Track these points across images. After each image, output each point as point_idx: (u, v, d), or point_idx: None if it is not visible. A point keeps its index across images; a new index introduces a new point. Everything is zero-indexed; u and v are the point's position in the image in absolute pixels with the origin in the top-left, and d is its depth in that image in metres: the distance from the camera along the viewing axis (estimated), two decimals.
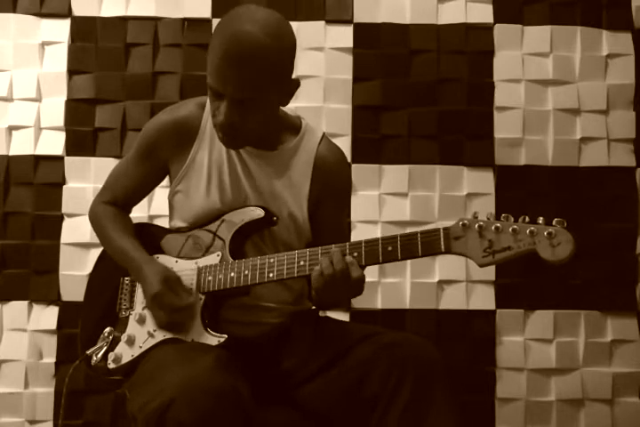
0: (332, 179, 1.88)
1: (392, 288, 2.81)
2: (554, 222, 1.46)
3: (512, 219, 1.49)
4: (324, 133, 1.92)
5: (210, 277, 1.73)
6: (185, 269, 1.78)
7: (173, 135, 1.85)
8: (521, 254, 1.47)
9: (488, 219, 1.50)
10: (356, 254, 1.59)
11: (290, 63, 1.70)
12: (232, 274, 1.71)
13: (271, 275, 1.67)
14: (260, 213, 1.77)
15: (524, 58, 2.92)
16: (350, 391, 1.63)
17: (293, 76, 1.74)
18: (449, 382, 1.59)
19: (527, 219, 1.48)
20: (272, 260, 1.68)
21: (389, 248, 1.56)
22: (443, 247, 1.52)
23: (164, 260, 1.82)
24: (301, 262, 1.64)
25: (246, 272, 1.70)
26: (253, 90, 1.64)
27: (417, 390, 1.55)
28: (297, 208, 1.84)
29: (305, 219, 1.85)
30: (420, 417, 1.54)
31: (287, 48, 1.67)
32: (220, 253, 1.76)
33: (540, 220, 1.48)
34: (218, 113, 1.68)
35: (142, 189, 1.99)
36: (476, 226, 1.49)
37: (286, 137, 1.87)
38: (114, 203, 1.97)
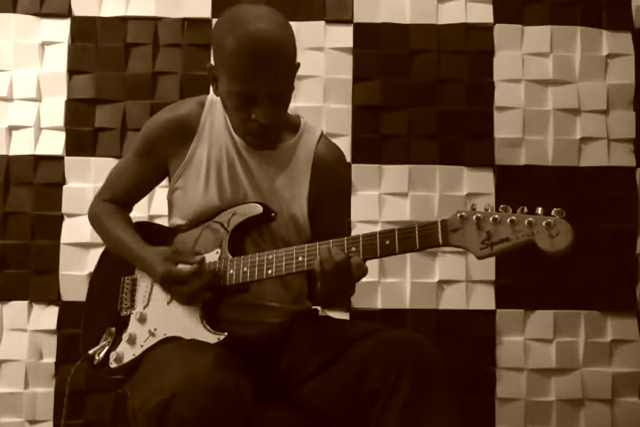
0: (331, 177, 1.89)
1: (392, 288, 2.81)
2: (552, 213, 1.45)
3: (510, 210, 1.47)
4: (322, 132, 1.93)
5: None
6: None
7: (173, 133, 1.86)
8: (519, 245, 1.45)
9: (486, 210, 1.49)
10: (354, 249, 1.59)
11: (296, 48, 1.74)
12: (231, 271, 1.72)
13: (270, 271, 1.67)
14: (258, 209, 1.77)
15: (523, 58, 2.92)
16: (350, 388, 1.63)
17: None
18: (448, 380, 1.59)
19: (526, 209, 1.46)
20: (270, 256, 1.68)
21: (387, 242, 1.56)
22: (440, 240, 1.51)
23: None
24: (300, 258, 1.64)
25: (245, 269, 1.70)
26: (284, 82, 1.70)
27: (416, 387, 1.55)
28: (296, 206, 1.84)
29: (304, 217, 1.85)
30: (420, 413, 1.54)
31: (292, 35, 1.72)
32: (218, 250, 1.76)
33: (539, 210, 1.46)
34: (255, 117, 1.70)
35: (142, 188, 1.99)
36: (474, 218, 1.48)
37: (285, 135, 1.89)
38: (114, 201, 1.97)
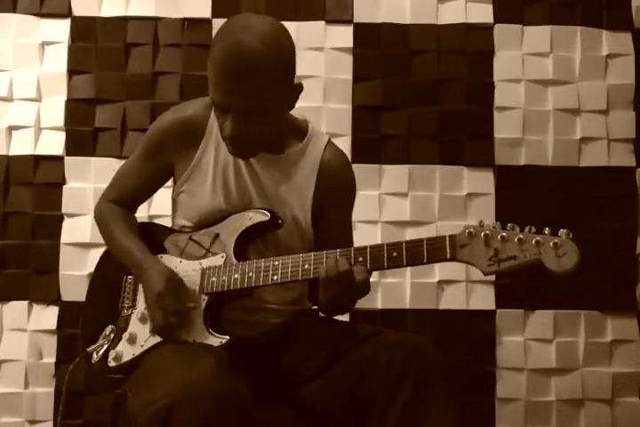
0: (337, 184, 1.89)
1: (392, 288, 2.81)
2: (559, 233, 1.46)
3: (518, 228, 1.49)
4: (329, 138, 1.92)
5: (214, 278, 1.73)
6: (189, 269, 1.77)
7: (179, 135, 1.85)
8: (526, 264, 1.46)
9: (494, 228, 1.50)
10: (360, 259, 1.59)
11: (290, 68, 1.69)
12: (236, 276, 1.71)
13: (275, 277, 1.67)
14: (265, 215, 1.76)
15: (523, 58, 2.92)
16: (350, 391, 1.62)
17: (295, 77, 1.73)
18: (449, 382, 1.59)
19: (533, 229, 1.48)
20: (277, 262, 1.67)
21: (394, 254, 1.56)
22: (448, 255, 1.52)
23: (168, 260, 1.81)
24: (306, 266, 1.64)
25: (250, 274, 1.69)
26: (257, 99, 1.63)
27: (417, 389, 1.54)
28: (301, 212, 1.84)
29: (308, 223, 1.85)
30: (420, 416, 1.54)
31: (284, 53, 1.65)
32: (224, 254, 1.76)
33: (546, 230, 1.47)
34: (225, 127, 1.68)
35: (148, 189, 1.98)
36: (482, 234, 1.49)
37: (292, 141, 1.87)
38: (119, 202, 1.96)
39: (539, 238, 1.45)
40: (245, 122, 1.66)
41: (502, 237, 1.47)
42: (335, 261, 1.59)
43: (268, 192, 1.83)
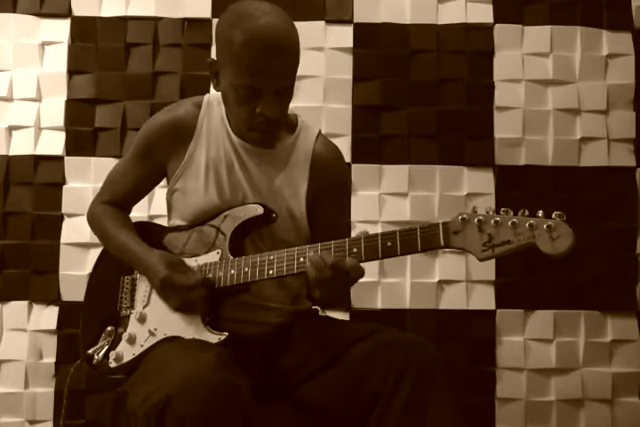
0: (330, 175, 1.89)
1: (392, 288, 2.81)
2: (553, 215, 1.45)
3: (511, 213, 1.48)
4: (319, 130, 1.94)
5: (210, 275, 1.74)
6: None
7: (170, 135, 1.86)
8: (521, 248, 1.46)
9: (487, 213, 1.49)
10: (355, 250, 1.59)
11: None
12: (232, 271, 1.71)
13: (271, 272, 1.67)
14: (258, 210, 1.77)
15: (523, 58, 2.92)
16: (350, 389, 1.63)
17: None
18: (448, 380, 1.59)
19: (527, 212, 1.48)
20: (272, 257, 1.68)
21: (389, 244, 1.56)
22: (442, 242, 1.52)
23: None
24: (301, 259, 1.64)
25: (246, 269, 1.70)
26: (290, 77, 1.71)
27: (417, 388, 1.55)
28: (295, 205, 1.84)
29: (303, 216, 1.85)
30: (421, 413, 1.54)
31: (297, 32, 1.72)
32: (219, 250, 1.76)
33: (540, 213, 1.47)
34: (262, 111, 1.70)
35: (141, 190, 1.99)
36: (476, 220, 1.49)
37: (283, 134, 1.88)
38: (112, 203, 1.97)
39: (532, 221, 1.45)
40: (280, 103, 1.71)
41: (496, 222, 1.47)
42: (321, 259, 1.58)
43: (262, 187, 1.84)
